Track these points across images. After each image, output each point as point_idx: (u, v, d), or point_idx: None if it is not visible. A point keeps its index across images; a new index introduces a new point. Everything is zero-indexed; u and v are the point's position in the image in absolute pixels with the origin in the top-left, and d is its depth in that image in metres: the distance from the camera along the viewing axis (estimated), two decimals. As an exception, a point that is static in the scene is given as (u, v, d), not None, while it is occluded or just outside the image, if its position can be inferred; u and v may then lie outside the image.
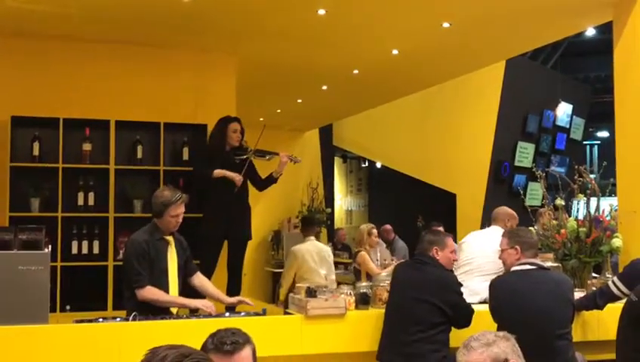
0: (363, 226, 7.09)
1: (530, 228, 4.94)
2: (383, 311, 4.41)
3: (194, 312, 4.54)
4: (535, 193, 12.99)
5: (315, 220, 8.36)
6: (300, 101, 9.85)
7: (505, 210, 5.67)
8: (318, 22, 6.09)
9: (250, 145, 6.36)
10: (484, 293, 4.49)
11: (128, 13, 5.88)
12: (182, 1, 5.53)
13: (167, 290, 4.36)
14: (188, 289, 4.61)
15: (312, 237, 7.69)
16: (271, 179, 6.39)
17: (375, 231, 7.24)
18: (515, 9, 5.91)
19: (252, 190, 6.48)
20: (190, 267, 4.64)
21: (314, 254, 7.46)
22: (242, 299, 4.74)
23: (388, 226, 10.02)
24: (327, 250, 7.74)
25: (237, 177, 6.09)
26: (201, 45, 6.79)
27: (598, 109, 15.95)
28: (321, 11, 5.84)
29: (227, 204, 6.12)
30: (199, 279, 4.68)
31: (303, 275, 7.49)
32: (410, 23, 6.32)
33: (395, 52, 7.17)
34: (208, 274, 6.01)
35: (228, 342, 2.44)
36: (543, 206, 9.15)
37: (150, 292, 4.26)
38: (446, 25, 6.24)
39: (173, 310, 4.43)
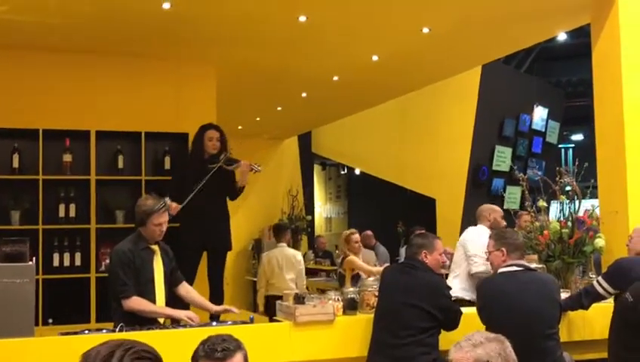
0: (344, 233, 7.06)
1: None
2: (372, 316, 4.41)
3: (178, 323, 4.50)
4: (513, 196, 13.11)
5: (285, 226, 8.39)
6: (279, 109, 9.85)
7: (486, 205, 5.98)
8: (298, 29, 6.11)
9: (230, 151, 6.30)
10: None
11: (108, 24, 5.85)
12: (161, 11, 5.51)
13: (153, 300, 4.33)
14: (174, 299, 4.58)
15: (283, 244, 7.78)
16: (236, 188, 6.26)
17: (355, 236, 7.04)
18: (494, 14, 5.97)
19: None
20: (176, 276, 4.61)
21: (280, 259, 7.60)
22: (228, 308, 4.72)
23: (369, 232, 10.02)
24: (295, 255, 7.80)
25: (173, 206, 5.70)
26: (181, 54, 6.77)
27: (571, 113, 16.16)
28: (302, 18, 5.86)
29: (204, 214, 6.06)
30: (185, 288, 4.66)
31: (269, 280, 7.63)
32: (390, 29, 6.36)
33: (375, 58, 7.20)
34: (189, 284, 5.98)
35: (219, 348, 2.43)
36: (522, 208, 9.27)
37: (136, 303, 4.23)
38: (426, 30, 6.29)
39: (160, 319, 4.40)
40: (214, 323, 4.48)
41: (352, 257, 6.93)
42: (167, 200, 4.62)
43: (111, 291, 4.34)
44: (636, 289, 2.90)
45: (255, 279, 10.81)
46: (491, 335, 2.25)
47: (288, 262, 7.62)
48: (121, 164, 6.56)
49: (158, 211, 4.30)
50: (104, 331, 4.15)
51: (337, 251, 10.18)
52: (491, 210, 5.89)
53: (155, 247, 4.40)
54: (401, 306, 4.17)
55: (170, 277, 4.51)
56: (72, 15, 5.64)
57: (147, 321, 4.24)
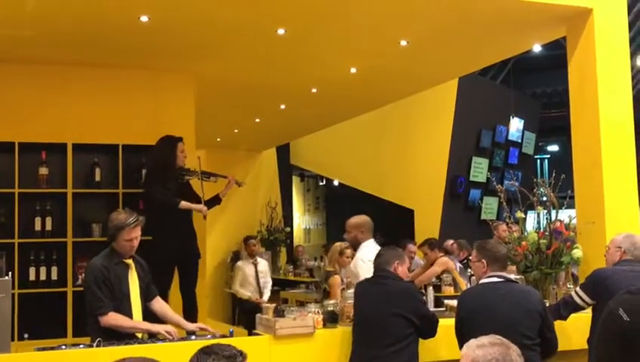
0: (336, 244, 6.90)
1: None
2: (351, 328, 4.42)
3: (156, 337, 4.45)
4: (490, 207, 13.21)
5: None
6: (258, 120, 9.84)
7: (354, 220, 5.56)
8: (277, 41, 6.11)
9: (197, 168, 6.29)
10: None
11: (85, 35, 5.81)
12: (139, 22, 5.48)
13: (129, 315, 4.30)
14: (149, 314, 4.53)
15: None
16: (216, 200, 6.39)
17: (349, 251, 6.78)
18: (470, 28, 6.02)
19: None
20: (151, 291, 4.57)
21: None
22: (202, 326, 4.67)
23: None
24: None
25: (204, 209, 6.09)
26: (158, 66, 6.74)
27: (547, 124, 16.33)
28: (281, 31, 5.86)
29: (179, 230, 6.07)
30: (159, 304, 4.62)
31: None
32: (369, 42, 6.38)
33: (353, 70, 7.23)
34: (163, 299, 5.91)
35: (227, 352, 2.43)
36: (499, 219, 9.33)
37: (112, 319, 4.19)
38: (403, 43, 6.32)
39: (139, 334, 4.35)
40: (193, 337, 4.45)
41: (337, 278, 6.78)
42: (141, 218, 4.46)
43: (87, 307, 4.29)
44: (629, 304, 2.76)
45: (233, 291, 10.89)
46: (499, 340, 2.31)
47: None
48: (98, 177, 6.51)
49: (128, 226, 4.25)
50: (81, 346, 4.12)
51: (319, 263, 10.18)
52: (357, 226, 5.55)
53: (130, 261, 4.37)
54: (378, 316, 4.23)
55: (145, 291, 4.47)
56: (47, 27, 5.59)
57: (124, 336, 4.20)
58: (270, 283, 8.85)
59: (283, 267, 11.92)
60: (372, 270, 4.57)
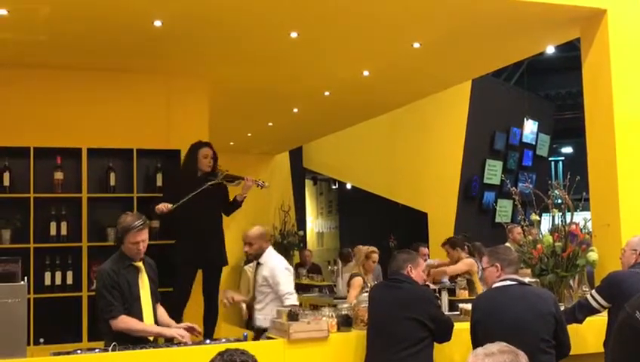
0: (363, 247, 6.73)
1: (507, 244, 4.99)
2: (365, 332, 4.41)
3: (172, 341, 4.46)
4: (504, 209, 13.14)
5: None
6: (270, 124, 9.86)
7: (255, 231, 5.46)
8: (289, 45, 6.12)
9: (222, 169, 6.31)
10: None
11: (99, 40, 5.85)
12: (153, 27, 5.51)
13: (140, 317, 4.29)
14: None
15: None
16: (235, 203, 6.32)
17: (376, 255, 6.74)
18: (484, 29, 6.00)
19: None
20: (156, 296, 4.54)
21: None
22: (191, 325, 4.56)
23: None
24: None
25: (162, 207, 5.90)
26: (172, 70, 6.77)
27: (561, 126, 16.25)
28: (293, 34, 5.87)
29: (200, 231, 6.06)
30: (160, 310, 4.57)
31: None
32: (381, 44, 6.38)
33: (366, 73, 7.23)
34: (183, 302, 5.94)
35: (237, 360, 2.42)
36: (513, 222, 9.28)
37: (123, 322, 4.19)
38: (416, 45, 6.31)
39: (151, 337, 4.35)
40: (208, 341, 4.46)
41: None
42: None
43: (99, 312, 4.30)
44: None
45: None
46: (507, 348, 2.29)
47: None
48: (112, 182, 6.53)
49: (134, 229, 4.22)
50: (97, 350, 4.14)
51: (332, 267, 10.14)
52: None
53: (140, 264, 4.35)
54: (393, 320, 4.22)
55: (156, 293, 4.47)
56: (61, 32, 5.63)
57: (138, 340, 4.20)
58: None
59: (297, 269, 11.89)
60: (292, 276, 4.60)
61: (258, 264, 5.39)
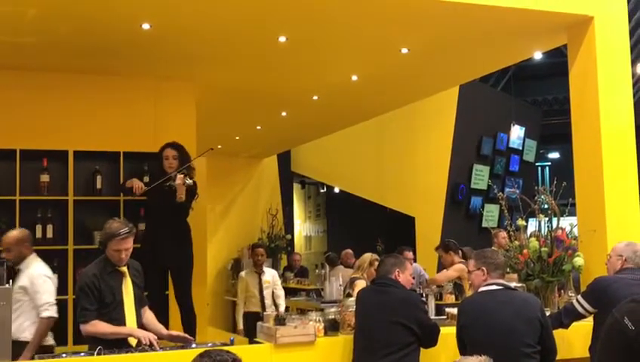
0: (367, 255, 6.73)
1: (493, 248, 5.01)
2: (352, 336, 4.42)
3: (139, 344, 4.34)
4: (491, 214, 13.20)
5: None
6: (259, 128, 9.86)
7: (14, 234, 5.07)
8: (278, 48, 6.12)
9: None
10: None
11: (86, 42, 5.82)
12: (141, 30, 5.50)
13: (123, 322, 4.24)
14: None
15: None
16: (179, 205, 5.98)
17: (377, 263, 6.89)
18: (471, 35, 6.02)
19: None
20: (142, 300, 4.51)
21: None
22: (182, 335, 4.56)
23: (349, 251, 10.02)
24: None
25: (135, 183, 5.93)
26: (159, 73, 6.75)
27: (548, 131, 16.34)
28: (282, 39, 5.87)
29: (160, 234, 5.94)
30: (146, 314, 4.53)
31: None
32: (370, 49, 6.40)
33: (354, 78, 7.24)
34: (156, 308, 5.82)
35: (218, 358, 2.42)
36: (499, 227, 9.31)
37: (93, 327, 4.13)
38: (404, 51, 6.33)
39: (132, 341, 4.26)
40: (194, 345, 4.44)
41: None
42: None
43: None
44: (634, 313, 2.69)
45: (235, 299, 10.80)
46: (485, 358, 2.29)
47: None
48: (99, 185, 6.51)
49: (119, 236, 4.17)
50: (82, 354, 4.11)
51: (319, 271, 10.14)
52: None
53: (124, 269, 4.30)
54: (380, 325, 4.22)
55: (141, 298, 4.43)
56: (48, 34, 5.60)
57: (123, 343, 4.15)
58: (282, 296, 8.05)
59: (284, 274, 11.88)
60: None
61: (18, 271, 4.90)
